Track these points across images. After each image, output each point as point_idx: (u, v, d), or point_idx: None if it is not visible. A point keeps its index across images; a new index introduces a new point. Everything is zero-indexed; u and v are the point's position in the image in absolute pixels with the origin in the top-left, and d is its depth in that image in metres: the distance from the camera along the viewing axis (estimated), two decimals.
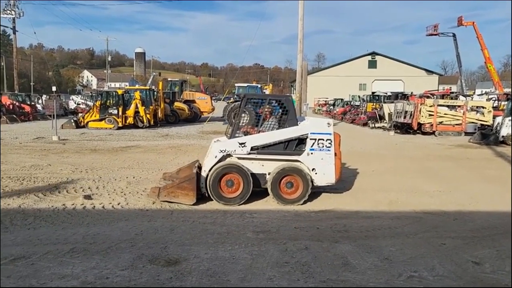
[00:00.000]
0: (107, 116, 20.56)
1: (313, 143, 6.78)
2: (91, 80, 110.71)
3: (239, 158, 6.79)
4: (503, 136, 15.91)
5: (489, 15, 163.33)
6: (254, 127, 7.11)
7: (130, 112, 20.90)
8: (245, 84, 29.74)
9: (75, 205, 6.37)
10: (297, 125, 6.86)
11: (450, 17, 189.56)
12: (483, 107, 20.41)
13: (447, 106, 19.94)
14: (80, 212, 6.05)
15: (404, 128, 20.52)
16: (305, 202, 6.72)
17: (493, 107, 20.83)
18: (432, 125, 19.30)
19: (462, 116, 19.38)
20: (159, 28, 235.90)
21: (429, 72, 61.78)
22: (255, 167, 6.81)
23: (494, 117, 18.71)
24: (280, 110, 7.06)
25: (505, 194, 7.46)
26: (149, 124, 21.27)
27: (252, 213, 6.20)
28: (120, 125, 20.45)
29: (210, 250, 4.59)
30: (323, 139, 6.79)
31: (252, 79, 59.57)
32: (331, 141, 6.82)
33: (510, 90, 30.63)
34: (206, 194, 6.71)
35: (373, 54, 62.29)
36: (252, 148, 6.74)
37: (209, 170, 6.73)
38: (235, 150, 6.75)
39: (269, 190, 6.73)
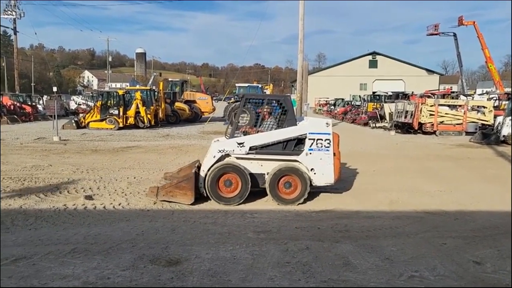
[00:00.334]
0: (108, 116, 20.60)
1: (312, 143, 6.76)
2: (92, 81, 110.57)
3: (237, 158, 6.78)
4: (504, 136, 15.89)
5: (490, 15, 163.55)
6: (253, 127, 7.11)
7: (131, 112, 20.93)
8: (246, 84, 29.81)
9: (76, 205, 6.38)
10: (296, 125, 6.84)
11: (451, 17, 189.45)
12: (484, 107, 20.39)
13: (448, 105, 19.92)
14: (81, 213, 6.05)
15: (405, 128, 20.52)
16: (305, 202, 6.72)
17: (494, 107, 20.80)
18: (433, 124, 19.29)
19: (463, 116, 19.36)
20: (160, 28, 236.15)
21: (430, 71, 61.72)
22: (253, 167, 6.81)
23: (495, 116, 18.68)
24: (280, 110, 7.06)
25: (506, 193, 7.44)
26: (150, 125, 21.29)
27: (253, 213, 6.20)
28: (121, 125, 20.49)
29: (211, 250, 4.59)
30: (321, 139, 6.77)
31: (252, 79, 59.59)
32: (330, 141, 6.80)
33: (510, 89, 30.56)
34: (205, 194, 6.71)
35: (374, 54, 62.25)
36: (250, 148, 6.73)
37: (208, 170, 6.72)
38: (233, 150, 6.74)
39: (267, 190, 6.72)
